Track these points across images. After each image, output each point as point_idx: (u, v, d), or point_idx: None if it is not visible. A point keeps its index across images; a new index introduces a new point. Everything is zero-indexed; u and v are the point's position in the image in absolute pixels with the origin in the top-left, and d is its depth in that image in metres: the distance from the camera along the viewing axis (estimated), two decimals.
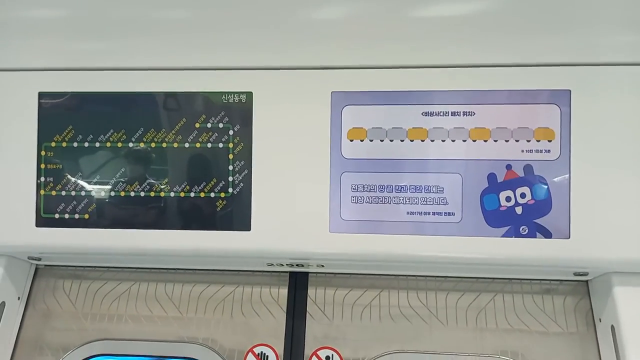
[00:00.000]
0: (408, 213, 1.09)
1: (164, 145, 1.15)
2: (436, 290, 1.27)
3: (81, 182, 1.16)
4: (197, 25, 1.15)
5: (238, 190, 1.12)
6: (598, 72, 1.07)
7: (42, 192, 1.16)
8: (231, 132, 1.13)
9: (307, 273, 1.30)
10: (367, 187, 1.11)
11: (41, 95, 1.16)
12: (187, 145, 1.14)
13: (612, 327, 1.12)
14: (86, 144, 1.16)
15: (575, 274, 1.20)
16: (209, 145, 1.14)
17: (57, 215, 1.16)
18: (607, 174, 1.05)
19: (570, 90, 1.07)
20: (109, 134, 1.16)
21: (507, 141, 1.08)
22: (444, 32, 1.10)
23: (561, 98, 1.07)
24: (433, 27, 1.11)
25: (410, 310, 1.26)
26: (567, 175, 1.06)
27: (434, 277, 1.28)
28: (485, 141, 1.09)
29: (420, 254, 1.10)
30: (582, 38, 1.08)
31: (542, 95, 1.07)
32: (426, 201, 1.09)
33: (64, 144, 1.16)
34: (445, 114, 1.10)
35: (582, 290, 1.25)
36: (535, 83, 1.08)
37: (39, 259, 1.31)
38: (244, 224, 1.11)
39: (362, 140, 1.11)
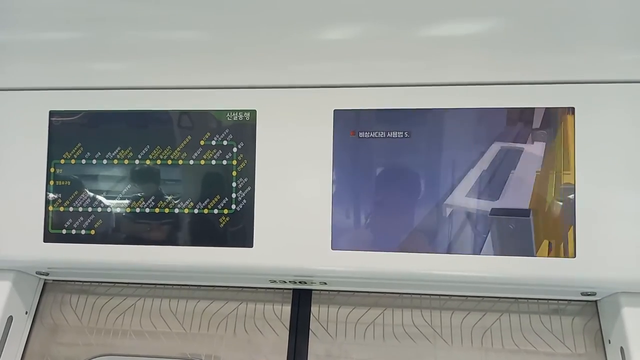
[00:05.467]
0: (411, 230, 1.09)
1: (169, 162, 1.16)
2: (441, 309, 1.26)
3: (88, 199, 1.18)
4: (202, 46, 1.17)
5: (241, 207, 1.13)
6: (602, 90, 1.06)
7: (50, 208, 1.18)
8: (235, 149, 1.15)
9: (310, 290, 1.30)
10: (370, 204, 1.11)
11: (52, 113, 1.20)
12: (191, 162, 1.16)
13: (622, 349, 1.09)
14: (94, 161, 1.18)
15: (583, 294, 1.17)
16: (213, 162, 1.15)
17: (64, 231, 1.18)
18: (612, 192, 1.04)
19: (574, 108, 1.07)
20: (117, 151, 1.18)
21: None
22: (448, 51, 1.11)
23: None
24: (437, 46, 1.12)
25: (415, 330, 1.24)
26: (572, 194, 1.05)
27: (438, 296, 1.26)
28: None
29: (424, 271, 1.09)
30: (586, 56, 1.08)
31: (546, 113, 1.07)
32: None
33: (73, 161, 1.19)
34: None
35: (591, 311, 1.22)
36: (540, 100, 1.08)
37: (47, 274, 1.33)
38: (247, 241, 1.12)
39: (364, 158, 1.11)
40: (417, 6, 1.11)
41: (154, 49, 1.18)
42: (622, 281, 1.05)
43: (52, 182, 1.19)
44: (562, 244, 1.04)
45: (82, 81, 1.19)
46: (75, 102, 1.19)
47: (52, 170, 1.19)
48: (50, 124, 1.19)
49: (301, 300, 1.30)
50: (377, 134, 1.12)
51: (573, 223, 1.04)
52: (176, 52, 1.17)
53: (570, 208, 1.04)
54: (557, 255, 1.04)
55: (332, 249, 1.10)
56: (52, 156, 1.19)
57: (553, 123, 1.07)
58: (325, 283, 1.23)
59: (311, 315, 1.28)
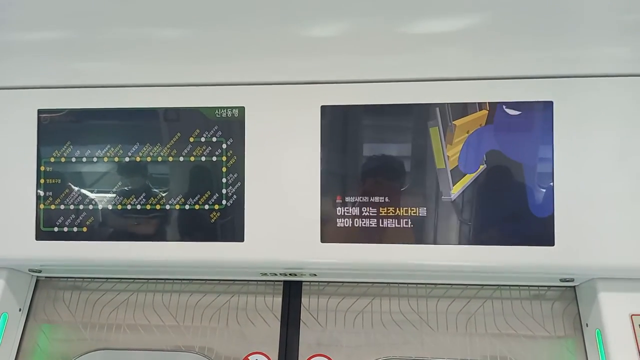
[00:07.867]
0: (398, 222, 1.12)
1: (159, 159, 1.18)
2: (427, 297, 1.30)
3: (79, 196, 1.19)
4: (190, 44, 1.18)
5: (231, 202, 1.15)
6: (579, 84, 1.10)
7: (41, 206, 1.19)
8: (224, 146, 1.16)
9: (300, 282, 1.33)
10: (358, 198, 1.14)
11: (40, 112, 1.20)
12: (181, 159, 1.17)
13: (598, 332, 1.15)
14: (84, 159, 1.19)
15: (562, 280, 1.23)
16: (203, 158, 1.17)
17: (56, 229, 1.19)
18: (589, 182, 1.08)
19: (552, 102, 1.10)
20: (106, 149, 1.19)
21: None
22: (430, 47, 1.14)
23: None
24: (419, 42, 1.14)
25: (402, 317, 1.29)
26: (551, 182, 1.09)
27: (424, 284, 1.31)
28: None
29: (411, 262, 1.13)
30: (564, 51, 1.12)
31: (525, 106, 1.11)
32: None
33: (63, 159, 1.20)
34: (433, 126, 1.13)
35: (569, 296, 1.27)
36: (520, 95, 1.11)
37: (40, 271, 1.34)
38: (238, 235, 1.14)
39: (352, 152, 1.14)
40: (402, 3, 1.13)
41: (142, 46, 1.19)
42: (599, 267, 1.10)
43: (42, 181, 1.20)
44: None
45: (71, 79, 1.19)
46: (64, 101, 1.19)
47: (42, 168, 1.20)
48: (39, 123, 1.20)
49: (291, 291, 1.33)
50: (364, 130, 1.14)
51: (552, 212, 1.08)
52: (164, 49, 1.18)
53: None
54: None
55: (322, 241, 1.13)
56: (42, 154, 1.20)
57: (529, 117, 1.10)
58: (315, 275, 1.27)
59: (302, 305, 1.31)
